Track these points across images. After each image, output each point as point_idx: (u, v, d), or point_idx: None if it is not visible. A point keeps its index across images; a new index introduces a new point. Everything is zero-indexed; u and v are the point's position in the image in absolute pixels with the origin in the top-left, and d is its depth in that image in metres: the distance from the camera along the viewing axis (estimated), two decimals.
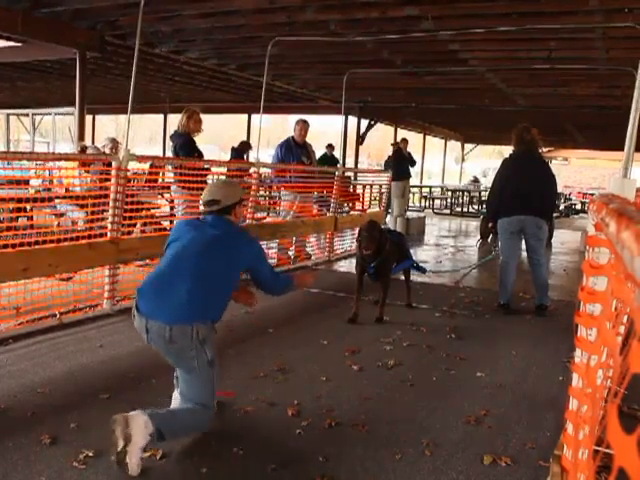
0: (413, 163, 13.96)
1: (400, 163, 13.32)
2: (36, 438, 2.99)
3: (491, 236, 11.56)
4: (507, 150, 6.48)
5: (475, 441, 3.24)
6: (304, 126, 8.41)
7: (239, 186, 3.79)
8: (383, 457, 3.03)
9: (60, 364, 4.06)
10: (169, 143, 7.43)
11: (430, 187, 22.43)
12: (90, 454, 2.86)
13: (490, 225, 6.45)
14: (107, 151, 7.69)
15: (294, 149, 8.29)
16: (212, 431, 3.14)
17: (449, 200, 20.17)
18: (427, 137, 24.56)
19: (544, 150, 21.62)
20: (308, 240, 8.97)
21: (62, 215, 6.93)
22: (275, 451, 3.01)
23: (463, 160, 29.52)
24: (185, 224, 3.40)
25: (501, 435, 3.31)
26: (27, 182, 6.99)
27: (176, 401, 3.19)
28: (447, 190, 21.02)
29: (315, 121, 8.79)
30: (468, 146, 28.96)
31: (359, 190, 12.21)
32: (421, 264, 6.72)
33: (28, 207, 6.20)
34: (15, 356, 4.19)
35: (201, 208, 3.48)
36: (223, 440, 3.09)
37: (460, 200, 20.52)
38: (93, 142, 15.72)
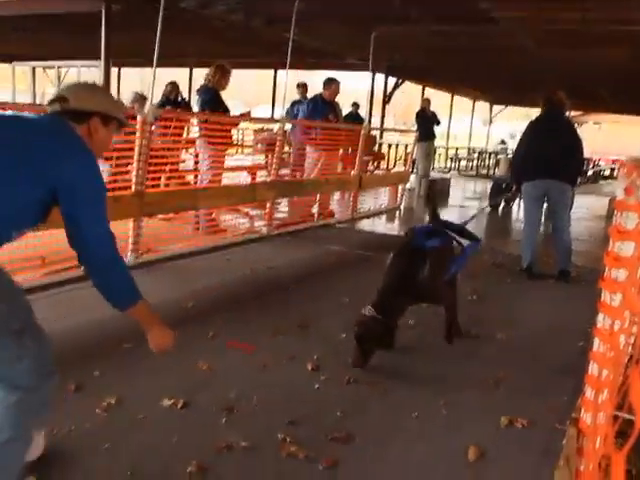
0: (438, 123, 13.77)
1: (424, 123, 13.15)
2: (61, 385, 3.05)
3: (503, 205, 11.45)
4: (536, 113, 6.35)
5: (492, 402, 3.25)
6: (337, 87, 8.47)
7: (111, 95, 2.55)
8: (399, 415, 3.06)
9: (84, 314, 4.11)
10: (195, 97, 7.40)
11: (456, 148, 22.15)
12: (112, 402, 2.93)
13: (514, 189, 6.38)
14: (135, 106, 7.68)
15: (321, 106, 8.28)
16: (231, 384, 3.19)
17: (475, 162, 19.93)
18: (455, 98, 24.16)
19: (573, 114, 21.17)
20: (332, 198, 8.97)
21: None
22: (293, 405, 3.04)
23: (491, 122, 29.08)
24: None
25: (518, 398, 3.32)
26: None
27: None
28: (473, 152, 20.76)
29: (340, 79, 8.71)
30: (496, 108, 28.48)
31: (384, 149, 12.10)
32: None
33: None
34: (40, 305, 4.23)
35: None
36: (242, 393, 3.13)
37: (486, 162, 20.27)
38: (118, 96, 15.69)
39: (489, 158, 20.43)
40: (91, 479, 2.36)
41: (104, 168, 6.40)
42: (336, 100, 8.68)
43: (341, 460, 2.60)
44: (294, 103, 10.10)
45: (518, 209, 11.12)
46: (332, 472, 2.53)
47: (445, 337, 4.05)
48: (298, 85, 10.55)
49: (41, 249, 4.68)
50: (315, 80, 9.38)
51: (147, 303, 2.34)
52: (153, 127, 5.51)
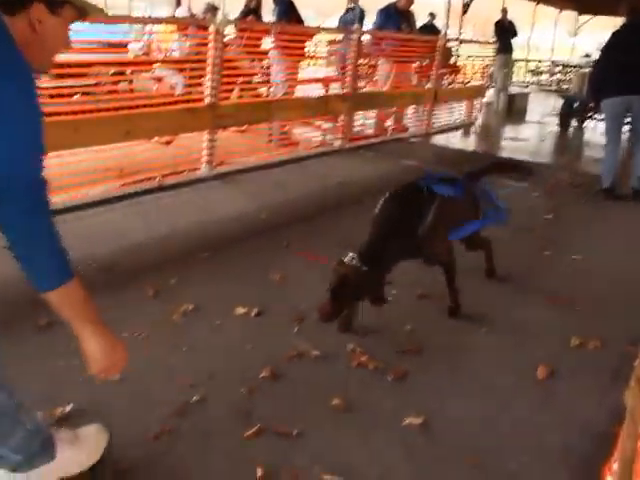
0: (515, 34, 13.09)
1: (501, 35, 12.54)
2: (142, 291, 3.19)
3: (576, 125, 10.87)
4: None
5: (564, 323, 3.22)
6: None
7: None
8: (469, 330, 3.08)
9: (160, 224, 4.23)
10: (269, 8, 7.28)
11: (538, 61, 21.10)
12: (190, 308, 3.05)
13: (592, 105, 6.07)
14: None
15: (394, 16, 7.98)
16: (303, 295, 3.25)
17: (558, 76, 19.02)
18: (539, 7, 22.81)
19: None
20: (406, 112, 8.78)
21: (160, 80, 7.02)
22: (364, 317, 3.07)
23: (576, 33, 27.49)
24: None
25: (591, 319, 3.27)
26: (125, 46, 7.06)
27: None
28: (556, 65, 19.77)
29: None
30: (583, 19, 26.84)
31: (461, 62, 11.66)
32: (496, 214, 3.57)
33: (128, 71, 6.28)
34: (119, 215, 4.39)
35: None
36: (314, 303, 3.17)
37: (569, 77, 19.30)
38: (189, 7, 15.53)
39: (573, 72, 19.43)
40: (170, 378, 2.49)
41: (178, 80, 6.45)
42: (410, 10, 8.33)
43: (410, 372, 2.65)
44: (348, 10, 9.65)
45: (593, 128, 10.60)
46: (400, 384, 2.58)
47: (449, 310, 3.22)
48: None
49: (120, 160, 4.81)
50: None
51: (82, 289, 1.52)
52: (226, 38, 5.46)
